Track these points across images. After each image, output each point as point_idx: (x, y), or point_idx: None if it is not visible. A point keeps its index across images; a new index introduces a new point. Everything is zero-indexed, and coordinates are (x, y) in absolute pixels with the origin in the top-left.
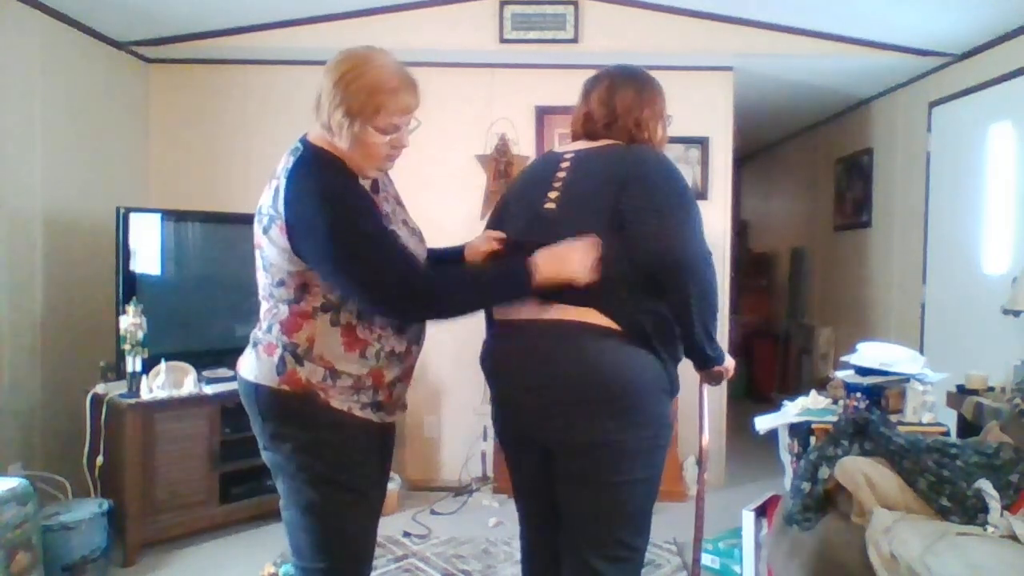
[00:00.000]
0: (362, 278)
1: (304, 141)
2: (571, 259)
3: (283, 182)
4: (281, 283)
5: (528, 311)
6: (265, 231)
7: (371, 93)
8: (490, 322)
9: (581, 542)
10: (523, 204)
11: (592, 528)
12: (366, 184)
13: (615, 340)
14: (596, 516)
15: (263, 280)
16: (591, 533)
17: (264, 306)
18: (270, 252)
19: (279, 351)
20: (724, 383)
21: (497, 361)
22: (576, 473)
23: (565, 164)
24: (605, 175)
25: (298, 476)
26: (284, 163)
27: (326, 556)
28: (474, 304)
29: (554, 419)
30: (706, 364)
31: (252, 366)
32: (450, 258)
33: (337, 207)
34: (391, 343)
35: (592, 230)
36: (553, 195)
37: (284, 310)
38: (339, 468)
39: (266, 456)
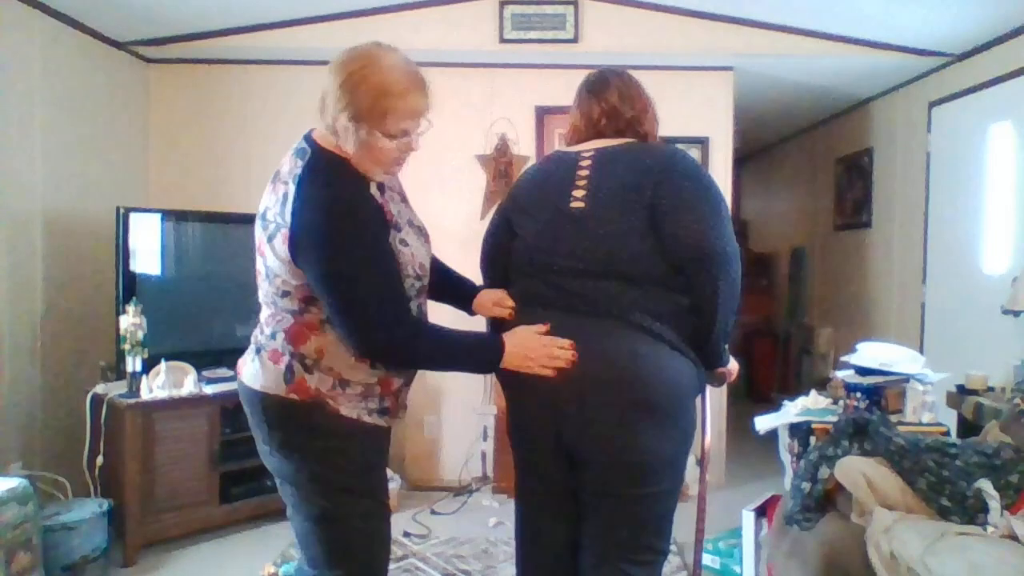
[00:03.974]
0: (349, 308)
1: (311, 142)
2: (536, 354)
3: (292, 189)
4: (285, 294)
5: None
6: (270, 239)
7: (378, 96)
8: (496, 324)
9: (610, 547)
10: (542, 205)
11: (623, 535)
12: (372, 186)
13: (650, 342)
14: (628, 524)
15: (265, 287)
16: (622, 540)
17: (266, 311)
18: (272, 262)
19: (286, 359)
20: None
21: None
22: (613, 486)
23: (586, 162)
24: (637, 171)
25: (309, 486)
26: (292, 167)
27: (342, 564)
28: (436, 366)
29: (592, 430)
30: (715, 363)
31: (257, 373)
32: (455, 289)
33: (343, 224)
34: None
35: (625, 226)
36: (579, 193)
37: (288, 319)
38: (353, 476)
39: (271, 463)
